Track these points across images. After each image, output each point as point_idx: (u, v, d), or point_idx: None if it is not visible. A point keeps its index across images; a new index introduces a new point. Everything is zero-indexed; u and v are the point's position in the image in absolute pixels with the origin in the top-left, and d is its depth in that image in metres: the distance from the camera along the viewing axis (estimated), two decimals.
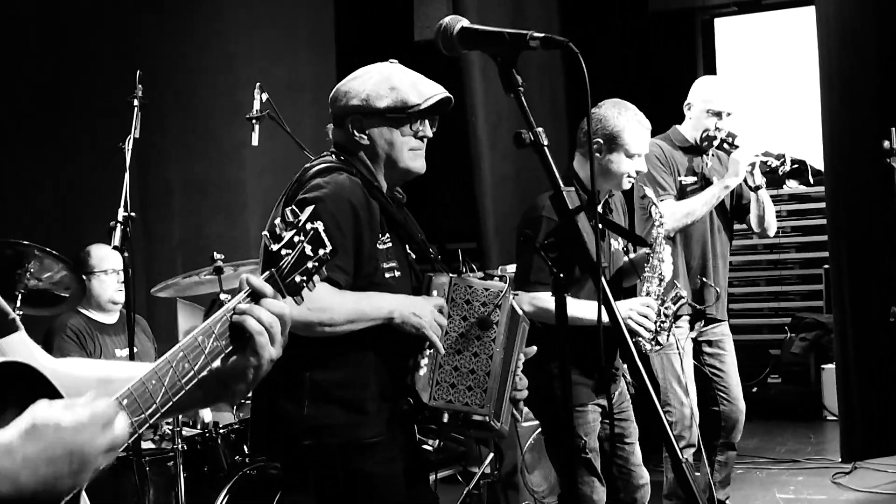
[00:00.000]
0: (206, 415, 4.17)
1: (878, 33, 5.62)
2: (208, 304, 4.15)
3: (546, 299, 3.18)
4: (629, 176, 3.44)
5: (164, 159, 5.47)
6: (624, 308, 3.32)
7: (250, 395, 2.69)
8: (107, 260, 4.28)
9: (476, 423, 2.52)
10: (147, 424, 1.48)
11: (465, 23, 2.03)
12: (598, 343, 1.91)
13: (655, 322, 3.42)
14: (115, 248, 3.42)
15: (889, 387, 5.54)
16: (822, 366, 7.15)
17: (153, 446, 3.83)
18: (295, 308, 1.60)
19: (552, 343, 2.66)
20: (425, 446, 2.59)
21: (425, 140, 2.61)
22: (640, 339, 3.37)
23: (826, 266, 7.13)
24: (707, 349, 4.36)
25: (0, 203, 4.67)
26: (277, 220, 1.62)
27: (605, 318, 1.85)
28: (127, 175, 3.52)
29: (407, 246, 2.62)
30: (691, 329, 4.28)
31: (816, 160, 6.36)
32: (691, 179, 4.29)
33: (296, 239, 1.60)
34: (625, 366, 3.54)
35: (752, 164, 4.13)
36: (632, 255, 3.60)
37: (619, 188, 3.52)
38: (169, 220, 5.58)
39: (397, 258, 2.55)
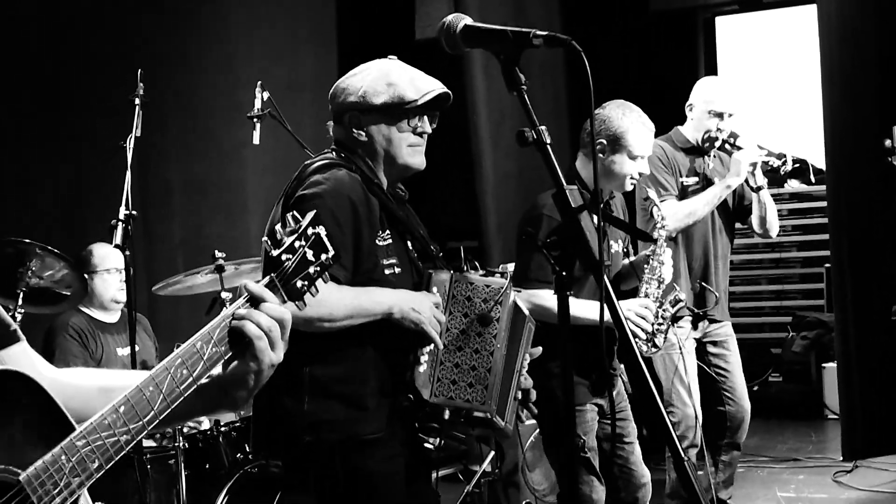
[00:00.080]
0: (205, 423, 4.14)
1: (879, 32, 5.62)
2: (209, 303, 4.15)
3: (544, 297, 3.17)
4: (631, 178, 3.44)
5: (164, 159, 5.47)
6: (622, 308, 3.31)
7: None
8: (109, 259, 4.28)
9: (478, 421, 2.51)
10: (145, 432, 1.48)
11: (468, 21, 2.03)
12: (597, 342, 1.91)
13: (652, 324, 3.42)
14: (116, 246, 3.42)
15: (890, 385, 5.54)
16: (824, 364, 7.14)
17: (154, 444, 3.83)
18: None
19: (551, 342, 2.66)
20: (426, 444, 2.58)
21: (425, 136, 2.60)
22: (637, 340, 3.37)
23: (827, 265, 7.13)
24: (712, 349, 4.36)
25: (1, 202, 4.67)
26: (278, 226, 1.62)
27: (607, 317, 1.85)
28: (128, 173, 3.52)
29: (409, 243, 2.62)
30: (695, 329, 4.27)
31: (818, 159, 6.36)
32: (693, 180, 4.29)
33: (297, 244, 1.60)
34: (622, 366, 3.54)
35: (754, 164, 4.12)
36: (632, 258, 3.60)
37: (621, 189, 3.51)
38: (169, 220, 5.57)
39: (398, 255, 2.54)
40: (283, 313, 1.55)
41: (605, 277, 1.86)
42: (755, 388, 7.15)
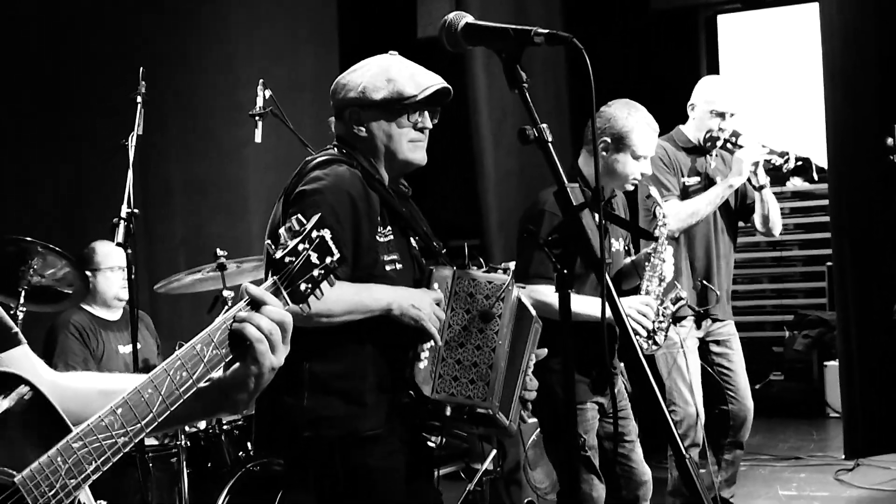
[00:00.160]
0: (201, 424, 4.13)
1: (879, 31, 5.61)
2: (211, 302, 4.15)
3: (544, 292, 3.16)
4: (633, 177, 3.43)
5: (165, 159, 5.46)
6: (623, 306, 3.31)
7: None
8: (111, 257, 4.28)
9: (481, 418, 2.50)
10: (143, 434, 1.47)
11: (469, 19, 2.03)
12: (597, 340, 1.91)
13: (653, 322, 3.42)
14: (118, 244, 3.42)
15: (892, 384, 5.53)
16: (825, 363, 7.15)
17: (156, 443, 3.83)
18: None
19: (551, 339, 2.66)
20: (428, 443, 2.58)
21: (426, 132, 2.60)
22: (638, 337, 3.36)
23: (829, 263, 7.13)
24: (715, 349, 4.35)
25: (1, 202, 4.67)
26: (282, 230, 1.61)
27: (608, 314, 1.84)
28: (130, 171, 3.52)
29: (411, 239, 2.61)
30: (698, 328, 4.27)
31: (819, 157, 6.35)
32: (695, 180, 4.28)
33: (300, 247, 1.59)
34: (622, 364, 3.53)
35: (756, 163, 4.12)
36: (633, 257, 3.59)
37: (623, 189, 3.50)
38: (170, 219, 5.57)
39: (399, 251, 2.54)
40: (283, 316, 1.54)
41: (607, 275, 1.86)
42: (757, 387, 7.13)
